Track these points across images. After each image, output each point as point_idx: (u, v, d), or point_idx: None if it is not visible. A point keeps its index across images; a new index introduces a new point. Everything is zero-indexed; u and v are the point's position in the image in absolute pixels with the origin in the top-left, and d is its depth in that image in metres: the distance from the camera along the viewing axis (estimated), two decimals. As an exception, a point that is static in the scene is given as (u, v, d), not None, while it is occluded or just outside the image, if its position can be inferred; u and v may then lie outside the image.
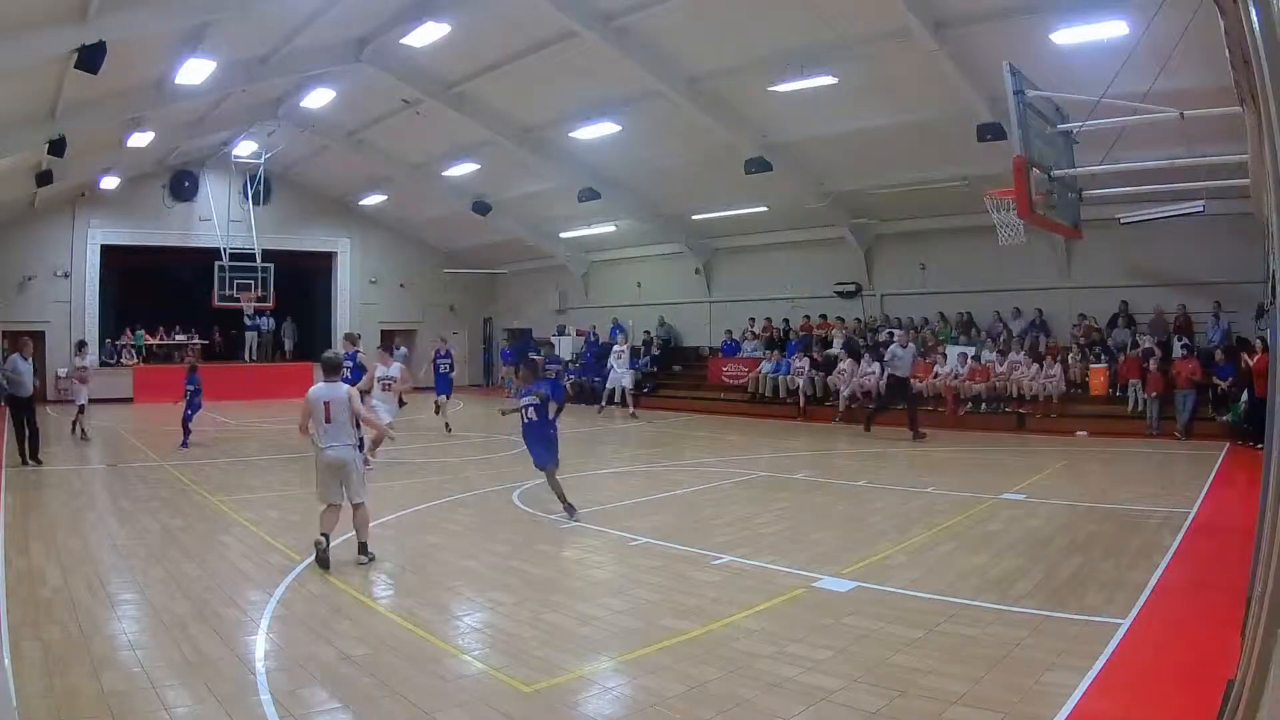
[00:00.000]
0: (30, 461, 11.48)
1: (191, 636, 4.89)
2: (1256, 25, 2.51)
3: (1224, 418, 13.52)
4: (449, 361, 17.49)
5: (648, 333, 23.87)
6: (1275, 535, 2.70)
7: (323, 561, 6.35)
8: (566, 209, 22.01)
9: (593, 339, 25.00)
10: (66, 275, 23.49)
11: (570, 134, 18.02)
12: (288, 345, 27.43)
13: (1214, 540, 7.35)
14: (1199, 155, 9.57)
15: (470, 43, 15.01)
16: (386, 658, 4.65)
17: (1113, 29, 10.49)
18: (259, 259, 24.81)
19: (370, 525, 6.81)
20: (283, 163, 24.53)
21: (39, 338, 21.69)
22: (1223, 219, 12.83)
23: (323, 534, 6.45)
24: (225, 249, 24.45)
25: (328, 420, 6.53)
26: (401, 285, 28.87)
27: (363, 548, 6.62)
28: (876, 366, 17.57)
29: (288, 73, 16.40)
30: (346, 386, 6.90)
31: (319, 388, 6.70)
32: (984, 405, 16.09)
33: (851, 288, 20.28)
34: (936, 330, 18.22)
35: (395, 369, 12.25)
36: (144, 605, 5.55)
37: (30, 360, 12.21)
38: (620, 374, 20.25)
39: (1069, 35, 11.09)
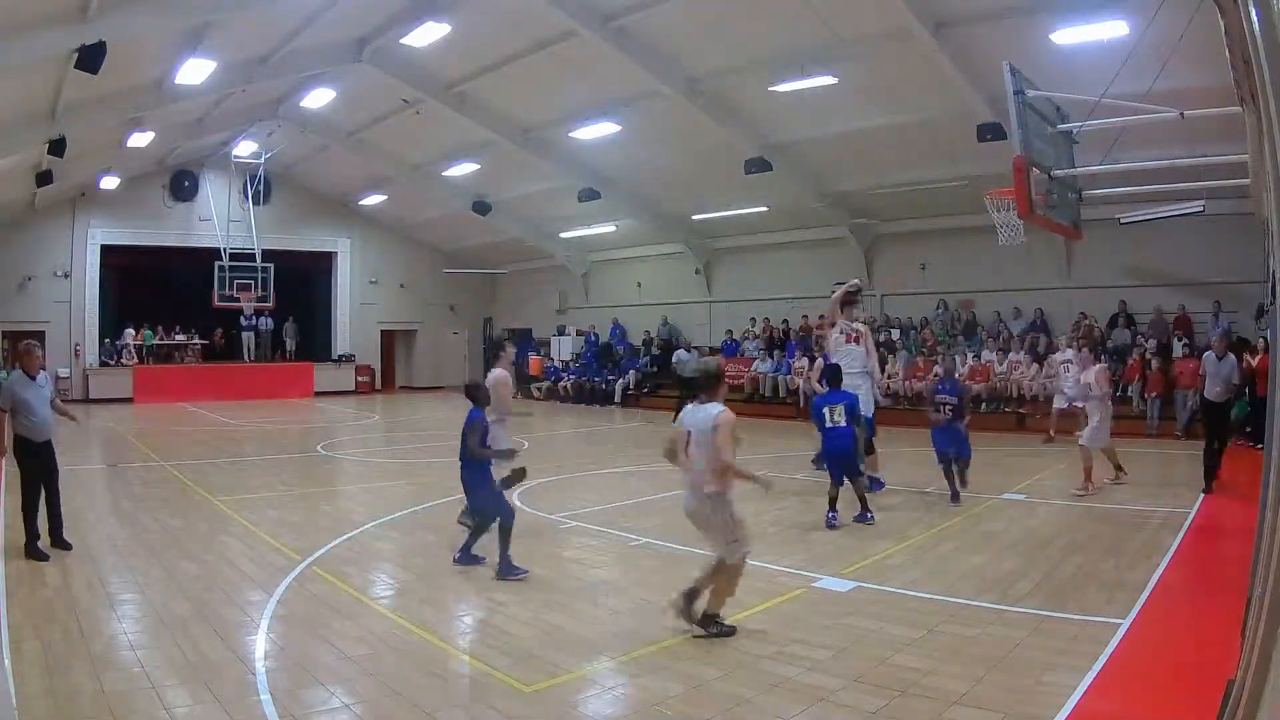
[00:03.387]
0: (50, 549, 6.75)
1: (191, 636, 4.89)
2: (1256, 25, 2.51)
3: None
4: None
5: (648, 332, 23.88)
6: (1275, 535, 2.70)
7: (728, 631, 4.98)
8: (566, 209, 22.01)
9: (593, 339, 25.02)
10: (66, 275, 23.47)
11: (570, 134, 18.02)
12: (289, 345, 27.43)
13: (1214, 540, 7.35)
14: (1199, 155, 9.57)
15: (470, 43, 15.01)
16: (386, 658, 4.65)
17: (1113, 29, 10.49)
18: (259, 259, 24.81)
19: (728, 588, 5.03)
20: (283, 163, 24.53)
21: (39, 339, 21.69)
22: (1223, 219, 12.83)
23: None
24: (225, 249, 24.45)
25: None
26: (401, 285, 28.88)
27: (708, 619, 4.97)
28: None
29: (288, 73, 16.40)
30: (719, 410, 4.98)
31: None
32: (984, 405, 16.09)
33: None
34: (936, 330, 18.21)
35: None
36: (144, 605, 5.55)
37: (45, 380, 7.15)
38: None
39: (1069, 35, 11.09)
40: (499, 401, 7.75)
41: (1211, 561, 6.76)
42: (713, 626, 4.92)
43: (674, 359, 18.79)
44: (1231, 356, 10.01)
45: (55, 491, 6.98)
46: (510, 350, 8.49)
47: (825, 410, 7.98)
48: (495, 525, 6.30)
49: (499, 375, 7.96)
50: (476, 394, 6.82)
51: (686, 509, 5.06)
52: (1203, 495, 9.01)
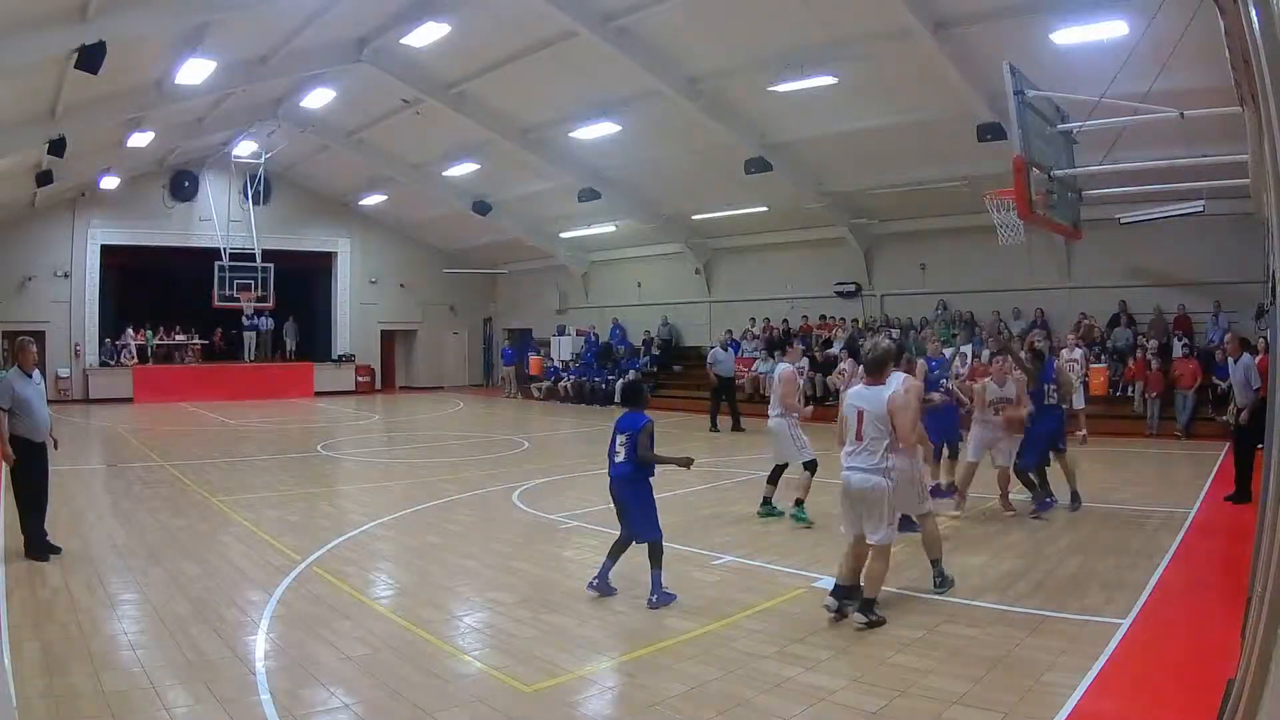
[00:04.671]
0: (39, 553, 6.58)
1: (191, 636, 4.89)
2: (1256, 25, 2.51)
3: (1224, 418, 13.51)
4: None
5: (648, 332, 23.89)
6: (1275, 535, 2.71)
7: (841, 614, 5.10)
8: (566, 209, 22.01)
9: (593, 339, 25.03)
10: (66, 275, 23.48)
11: (570, 134, 18.02)
12: (289, 345, 27.45)
13: (1214, 540, 7.34)
14: (1199, 155, 9.56)
15: (470, 43, 15.01)
16: (386, 658, 4.65)
17: (1113, 29, 10.48)
18: (259, 259, 24.80)
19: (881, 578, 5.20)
20: (283, 163, 24.52)
21: (38, 339, 21.70)
22: (1223, 219, 12.84)
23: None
24: (225, 249, 24.45)
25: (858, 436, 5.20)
26: (401, 285, 28.88)
27: (867, 606, 5.10)
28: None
29: (288, 73, 16.40)
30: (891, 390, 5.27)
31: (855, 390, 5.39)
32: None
33: (851, 288, 20.28)
34: (936, 331, 18.20)
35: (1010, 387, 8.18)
36: (144, 605, 5.55)
37: (40, 378, 6.91)
38: None
39: (1069, 35, 11.08)
40: (785, 397, 7.68)
41: (1211, 561, 6.76)
42: (871, 614, 5.02)
43: (709, 358, 18.48)
44: (1246, 356, 9.13)
45: (45, 495, 6.76)
46: (798, 346, 8.28)
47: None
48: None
49: (787, 370, 7.88)
50: (638, 396, 6.13)
51: (852, 487, 5.20)
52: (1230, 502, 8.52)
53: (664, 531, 5.82)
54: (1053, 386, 8.19)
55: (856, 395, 5.35)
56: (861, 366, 5.59)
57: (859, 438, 5.20)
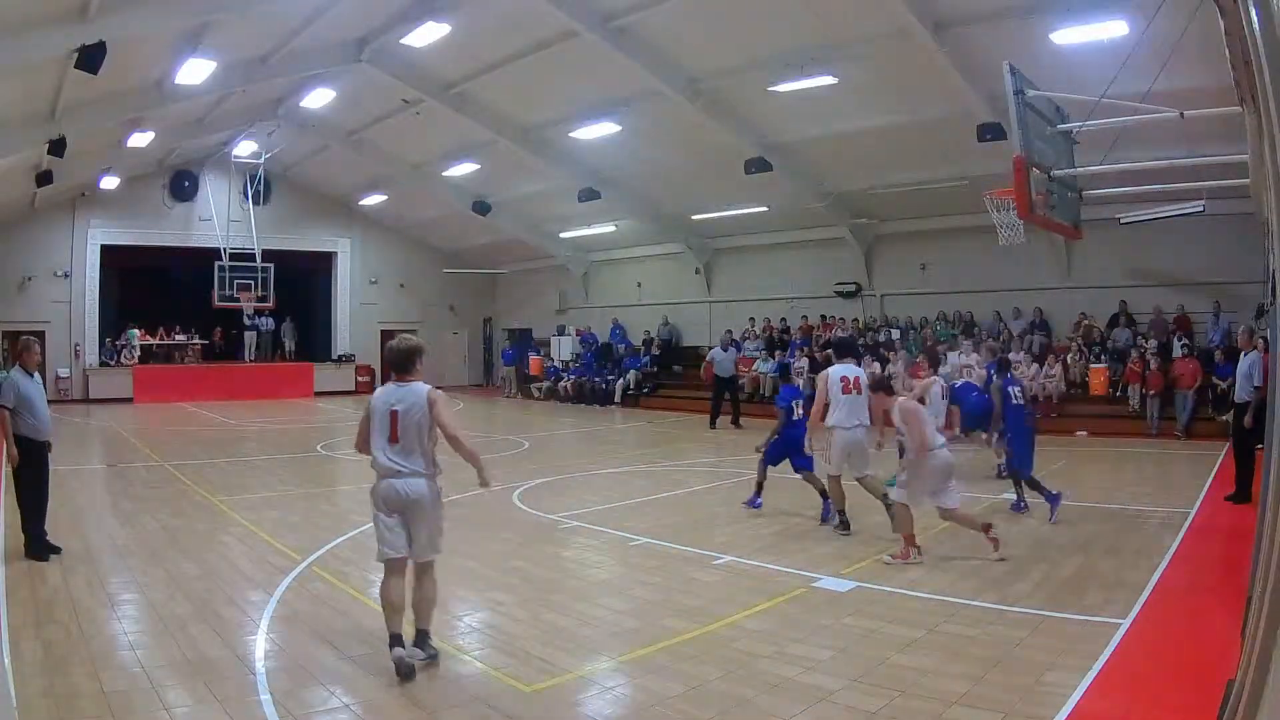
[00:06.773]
0: (39, 553, 6.55)
1: (191, 636, 4.89)
2: (1256, 25, 2.51)
3: (1224, 418, 13.51)
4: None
5: (647, 332, 23.89)
6: (1275, 535, 2.70)
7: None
8: (566, 209, 22.01)
9: (589, 338, 25.03)
10: (66, 275, 23.48)
11: (570, 134, 18.02)
12: (288, 345, 27.45)
13: (1214, 540, 7.35)
14: (1199, 155, 9.55)
15: (470, 43, 15.01)
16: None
17: (1113, 29, 10.48)
18: (259, 259, 24.80)
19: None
20: (283, 163, 24.53)
21: (39, 339, 21.67)
22: (1223, 219, 12.81)
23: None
24: (225, 249, 24.45)
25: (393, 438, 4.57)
26: (401, 285, 28.86)
27: (422, 637, 4.56)
28: (876, 366, 17.50)
29: (288, 73, 16.41)
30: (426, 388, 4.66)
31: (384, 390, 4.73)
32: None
33: (851, 288, 20.28)
34: (937, 330, 18.20)
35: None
36: (144, 605, 5.55)
37: (39, 379, 6.90)
38: None
39: (1069, 35, 11.08)
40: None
41: (1211, 561, 6.76)
42: (429, 647, 4.46)
43: (709, 356, 18.38)
44: (1255, 352, 8.78)
45: (46, 495, 6.74)
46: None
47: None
48: None
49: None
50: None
51: (404, 497, 4.52)
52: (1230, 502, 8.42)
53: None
54: (1018, 390, 8.55)
55: (383, 397, 4.61)
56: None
57: (394, 439, 4.52)
